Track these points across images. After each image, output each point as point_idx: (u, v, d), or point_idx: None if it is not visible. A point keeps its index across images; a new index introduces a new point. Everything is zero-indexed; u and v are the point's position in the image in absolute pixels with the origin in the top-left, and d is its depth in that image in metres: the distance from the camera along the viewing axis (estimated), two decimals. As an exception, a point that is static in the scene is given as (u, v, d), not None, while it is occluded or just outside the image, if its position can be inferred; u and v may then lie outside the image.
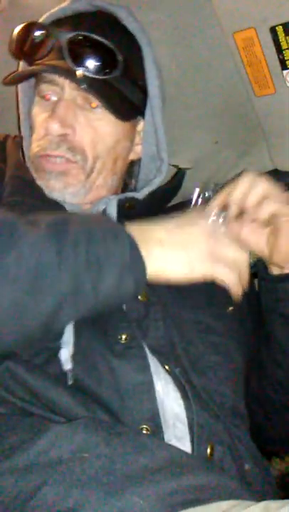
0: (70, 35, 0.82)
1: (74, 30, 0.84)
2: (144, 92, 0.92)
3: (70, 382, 0.65)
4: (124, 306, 0.76)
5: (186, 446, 0.66)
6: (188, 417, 0.68)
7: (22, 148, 0.95)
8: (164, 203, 1.02)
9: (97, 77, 0.82)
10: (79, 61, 0.82)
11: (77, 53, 0.82)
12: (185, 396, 0.70)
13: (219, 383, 0.77)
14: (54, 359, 0.67)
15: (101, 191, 0.89)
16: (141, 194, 0.92)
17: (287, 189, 1.32)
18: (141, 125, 0.95)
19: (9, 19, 1.07)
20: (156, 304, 0.79)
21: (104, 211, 0.86)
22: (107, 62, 0.84)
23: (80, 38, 0.82)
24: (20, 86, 0.97)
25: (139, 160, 0.97)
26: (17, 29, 0.86)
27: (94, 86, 0.83)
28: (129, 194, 0.91)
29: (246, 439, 0.76)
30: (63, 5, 0.91)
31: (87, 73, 0.82)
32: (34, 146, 0.88)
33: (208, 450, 0.66)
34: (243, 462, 0.70)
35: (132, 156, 0.96)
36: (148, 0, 1.01)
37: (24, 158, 0.93)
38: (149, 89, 0.90)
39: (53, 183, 0.84)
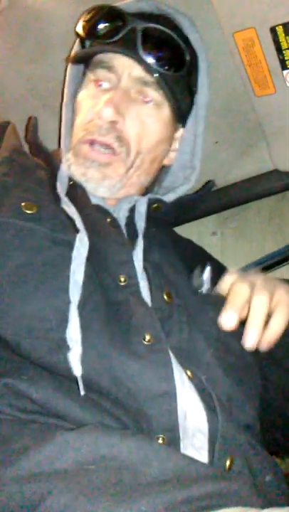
0: (146, 25, 0.82)
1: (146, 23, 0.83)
2: (192, 100, 0.93)
3: (82, 393, 0.60)
4: (150, 303, 0.72)
5: (203, 457, 0.63)
6: (210, 429, 0.64)
7: (30, 134, 0.93)
8: (190, 210, 1.02)
9: (162, 71, 0.83)
10: (150, 52, 0.82)
11: (149, 43, 0.82)
12: (208, 406, 0.66)
13: (248, 392, 0.75)
14: (56, 350, 0.62)
15: (132, 189, 0.88)
16: (168, 198, 0.92)
17: (286, 189, 1.33)
18: (180, 132, 0.95)
19: (9, 19, 1.07)
20: (180, 306, 0.76)
21: (132, 209, 0.85)
22: (176, 59, 0.85)
23: (155, 29, 0.83)
24: (70, 68, 0.95)
25: (168, 167, 0.97)
26: (91, 9, 0.86)
27: (158, 78, 0.83)
28: (158, 196, 0.90)
29: (264, 450, 0.72)
30: (127, 1, 0.90)
31: (155, 66, 0.83)
32: (79, 130, 0.86)
33: (228, 463, 0.63)
34: (263, 474, 0.67)
35: (166, 161, 0.95)
36: (148, 0, 1.01)
37: (33, 143, 0.90)
38: (199, 98, 0.92)
39: (92, 173, 0.82)
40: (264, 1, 0.91)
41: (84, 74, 0.91)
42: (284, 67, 0.99)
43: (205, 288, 0.81)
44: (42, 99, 1.20)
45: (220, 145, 1.21)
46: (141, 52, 0.82)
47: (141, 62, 0.82)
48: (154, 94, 0.85)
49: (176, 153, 0.96)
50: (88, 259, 0.70)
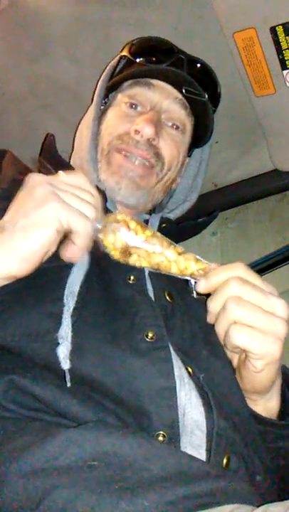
0: (190, 56, 0.97)
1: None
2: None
3: (68, 384, 0.62)
4: (153, 299, 0.75)
5: (201, 455, 0.63)
6: (208, 426, 0.65)
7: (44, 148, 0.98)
8: (193, 233, 1.11)
9: (199, 97, 0.95)
10: (194, 76, 0.94)
11: (194, 71, 0.96)
12: (207, 404, 0.67)
13: (241, 392, 0.74)
14: (53, 351, 0.64)
15: (150, 204, 0.94)
16: (174, 214, 1.00)
17: (286, 189, 1.33)
18: (186, 160, 1.02)
19: (9, 19, 1.07)
20: (182, 306, 0.79)
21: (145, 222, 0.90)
22: (212, 89, 1.00)
23: (198, 61, 0.98)
24: (99, 89, 1.01)
25: (172, 190, 1.04)
26: (143, 38, 1.00)
27: (195, 103, 0.95)
28: (165, 214, 0.99)
29: (261, 450, 0.73)
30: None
31: (195, 90, 0.94)
32: (112, 137, 0.91)
33: (225, 461, 0.63)
34: (255, 474, 0.68)
35: (173, 185, 1.02)
36: (149, 0, 1.01)
37: (55, 159, 0.94)
38: (209, 128, 1.02)
39: (126, 183, 0.88)
40: (264, 1, 0.91)
41: (106, 98, 0.99)
42: (284, 67, 0.99)
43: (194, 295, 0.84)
44: (42, 99, 1.20)
45: (220, 145, 1.21)
46: (187, 74, 0.94)
47: (186, 83, 0.93)
48: (185, 118, 0.95)
49: (180, 178, 1.03)
50: (98, 261, 0.73)
